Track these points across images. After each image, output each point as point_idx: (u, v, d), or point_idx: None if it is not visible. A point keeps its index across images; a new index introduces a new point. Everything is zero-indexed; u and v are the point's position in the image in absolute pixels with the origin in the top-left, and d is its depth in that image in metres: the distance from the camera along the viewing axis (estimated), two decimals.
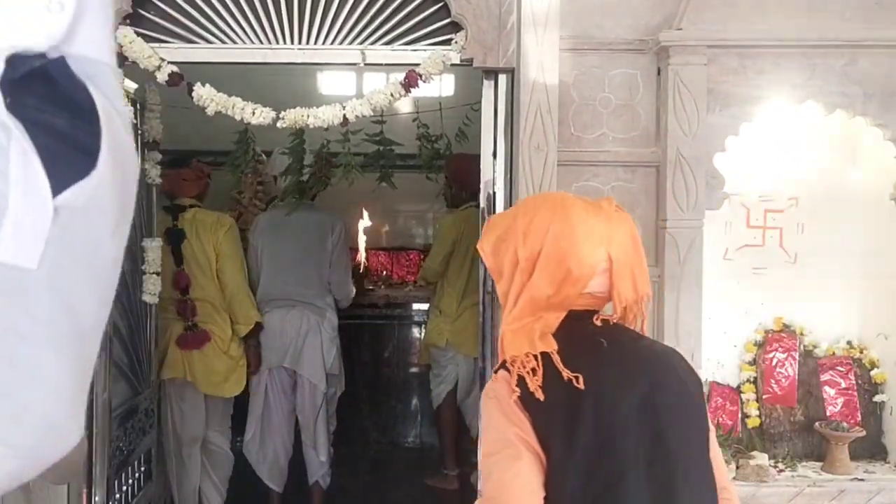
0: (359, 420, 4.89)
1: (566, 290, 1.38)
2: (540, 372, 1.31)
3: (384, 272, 5.82)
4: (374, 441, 5.04)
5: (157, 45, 2.69)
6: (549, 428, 1.30)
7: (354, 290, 4.09)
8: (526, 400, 1.30)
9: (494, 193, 2.80)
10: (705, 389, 2.77)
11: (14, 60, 0.50)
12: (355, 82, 5.53)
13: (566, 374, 1.30)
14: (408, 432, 5.15)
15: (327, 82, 5.60)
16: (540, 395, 1.29)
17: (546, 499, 1.28)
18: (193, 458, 3.59)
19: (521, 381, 1.32)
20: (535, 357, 1.33)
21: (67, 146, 0.52)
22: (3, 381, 0.51)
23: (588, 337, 1.39)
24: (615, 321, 1.43)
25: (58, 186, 0.51)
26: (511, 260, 1.42)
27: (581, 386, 1.29)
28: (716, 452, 1.43)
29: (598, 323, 1.42)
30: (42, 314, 0.52)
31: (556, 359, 1.32)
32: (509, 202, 2.75)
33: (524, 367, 1.32)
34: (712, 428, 1.43)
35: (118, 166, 0.54)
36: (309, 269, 3.86)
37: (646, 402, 1.33)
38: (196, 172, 3.55)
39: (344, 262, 3.98)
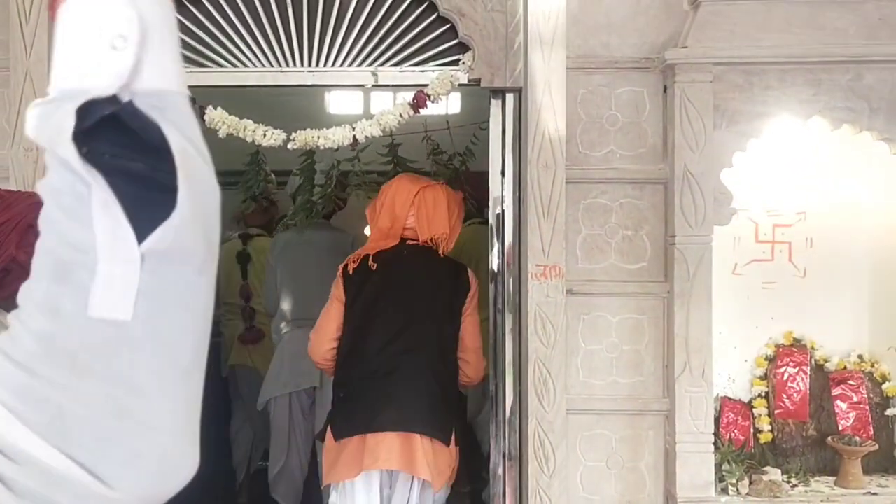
0: None
1: (395, 225, 2.70)
2: (358, 262, 2.65)
3: None
4: None
5: None
6: (350, 287, 2.65)
7: None
8: (345, 275, 2.67)
9: (503, 211, 2.82)
10: (716, 405, 2.77)
11: (84, 110, 0.50)
12: (363, 102, 5.57)
13: (371, 262, 2.63)
14: None
15: (335, 102, 5.64)
16: (350, 271, 2.64)
17: (344, 325, 2.66)
18: (245, 431, 4.40)
19: (345, 268, 2.68)
20: (360, 257, 2.67)
21: (147, 189, 0.51)
22: (113, 431, 0.51)
23: (400, 249, 2.69)
24: (423, 244, 2.70)
25: (142, 232, 0.50)
26: (372, 210, 2.79)
27: (373, 268, 2.62)
28: (470, 325, 2.70)
29: (410, 244, 2.71)
30: (144, 362, 0.52)
31: (369, 257, 2.65)
32: (518, 220, 2.78)
33: (351, 259, 2.68)
34: (473, 312, 2.73)
35: (198, 202, 0.52)
36: (329, 288, 3.89)
37: (414, 278, 2.66)
38: (261, 207, 4.48)
39: None
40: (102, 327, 0.50)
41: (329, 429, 2.59)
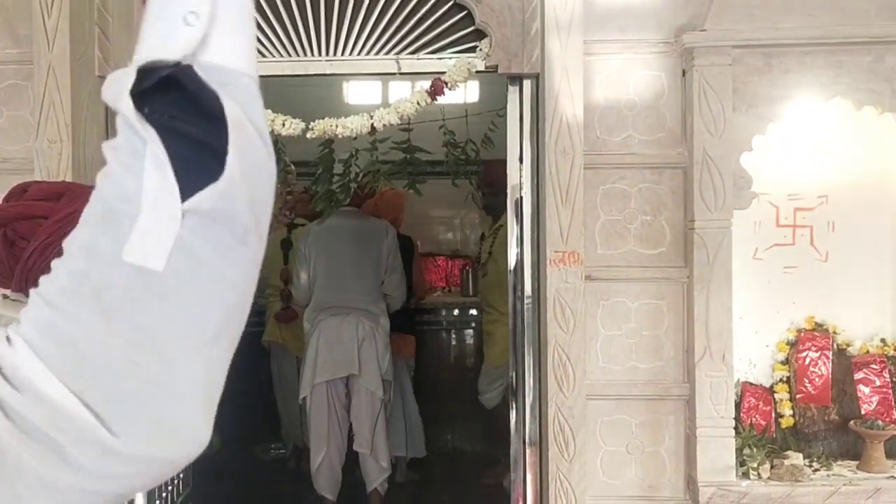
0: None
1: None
2: None
3: None
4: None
5: None
6: None
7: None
8: None
9: (522, 198, 2.83)
10: (737, 390, 2.76)
11: (145, 70, 0.52)
12: (381, 91, 5.58)
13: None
14: (441, 437, 5.17)
15: (353, 91, 5.66)
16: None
17: None
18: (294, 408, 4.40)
19: None
20: None
21: (198, 152, 0.52)
22: (126, 381, 0.52)
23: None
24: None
25: (187, 191, 0.51)
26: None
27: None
28: None
29: None
30: (168, 318, 0.52)
31: None
32: (537, 206, 2.78)
33: None
34: None
35: (248, 172, 0.53)
36: (366, 276, 3.93)
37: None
38: (305, 197, 4.68)
39: (400, 264, 4.14)
40: (133, 273, 0.51)
41: None
